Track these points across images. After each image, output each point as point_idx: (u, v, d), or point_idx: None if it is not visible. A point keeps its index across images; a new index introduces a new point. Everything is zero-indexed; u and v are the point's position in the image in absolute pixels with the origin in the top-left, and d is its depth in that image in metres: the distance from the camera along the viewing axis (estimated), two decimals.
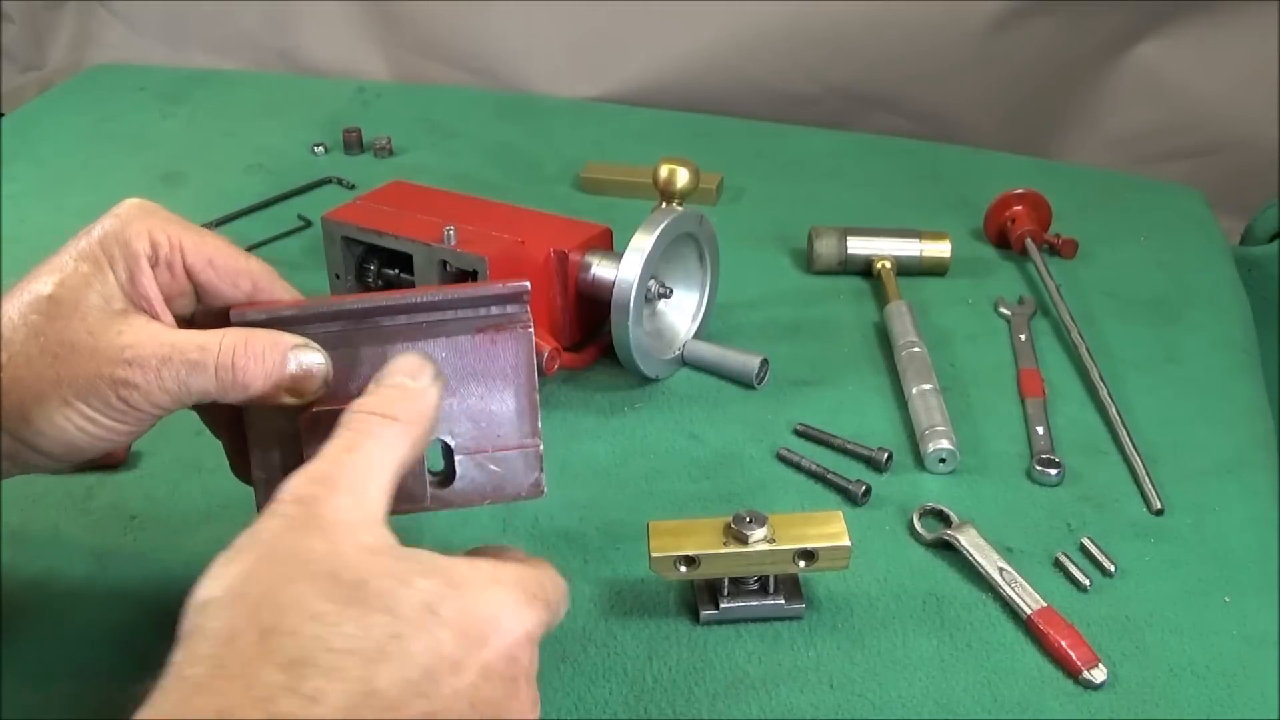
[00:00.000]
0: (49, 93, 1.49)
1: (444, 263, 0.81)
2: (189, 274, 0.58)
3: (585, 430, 0.83)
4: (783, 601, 0.66)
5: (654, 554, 0.63)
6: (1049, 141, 1.50)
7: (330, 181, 1.19)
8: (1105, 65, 1.45)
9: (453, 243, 0.80)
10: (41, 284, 0.54)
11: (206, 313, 0.60)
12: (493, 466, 0.60)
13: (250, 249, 1.05)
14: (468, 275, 0.81)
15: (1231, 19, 1.38)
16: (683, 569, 0.64)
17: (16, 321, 0.53)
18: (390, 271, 0.88)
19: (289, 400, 0.56)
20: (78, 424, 0.53)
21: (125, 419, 0.54)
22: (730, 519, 0.63)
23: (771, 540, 0.63)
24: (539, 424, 0.61)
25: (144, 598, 0.67)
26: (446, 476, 0.60)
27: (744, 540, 0.63)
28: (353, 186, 1.17)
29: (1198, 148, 1.45)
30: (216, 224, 1.10)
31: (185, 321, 0.58)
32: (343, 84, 1.48)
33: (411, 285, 0.84)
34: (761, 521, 0.63)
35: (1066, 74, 1.46)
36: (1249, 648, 0.65)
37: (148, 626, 0.66)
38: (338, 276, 0.88)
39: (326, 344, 0.58)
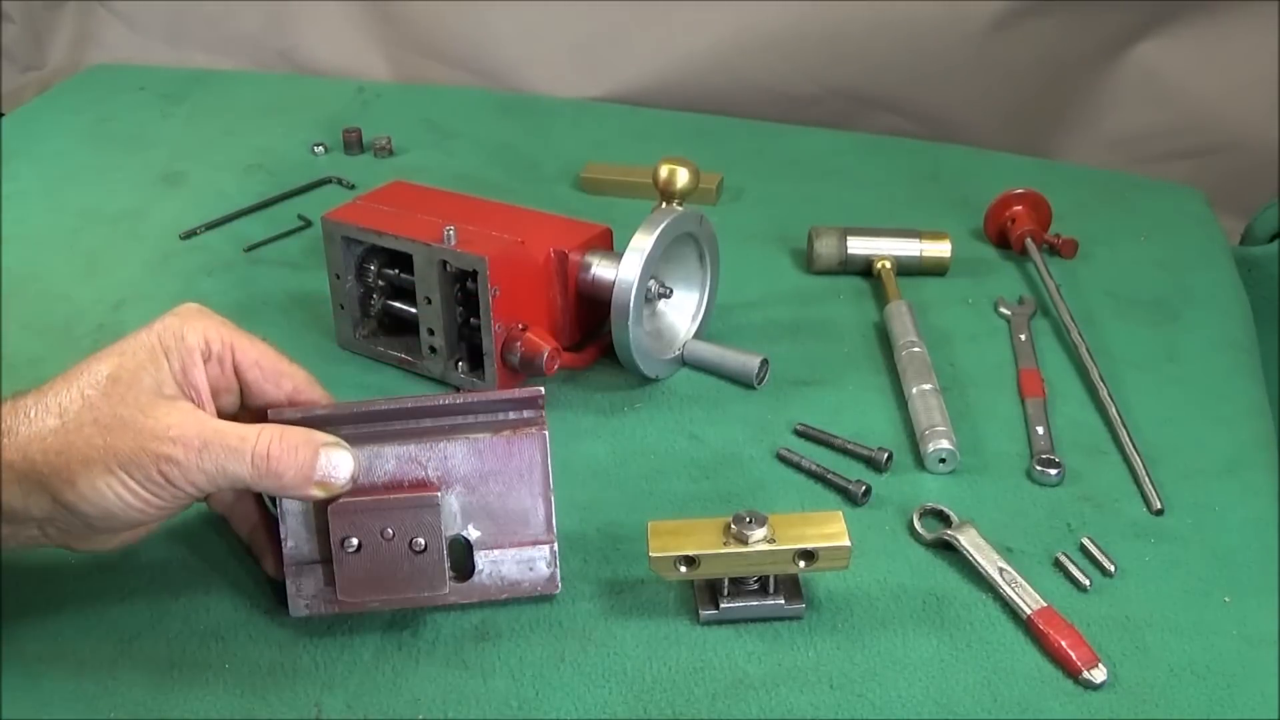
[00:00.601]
0: (49, 92, 1.49)
1: (444, 263, 0.81)
2: (237, 371, 0.64)
3: (585, 430, 0.83)
4: (783, 601, 0.66)
5: (653, 554, 0.63)
6: (1049, 141, 1.50)
7: (330, 181, 1.19)
8: (1105, 65, 1.45)
9: (453, 243, 0.80)
10: (101, 365, 0.60)
11: (249, 411, 0.66)
12: (511, 563, 0.65)
13: (250, 249, 1.06)
14: (468, 275, 0.81)
15: (1231, 19, 1.38)
16: (682, 569, 0.64)
17: (74, 394, 0.58)
18: (390, 271, 0.88)
19: (317, 494, 0.61)
20: (117, 491, 0.57)
21: (162, 494, 0.58)
22: (730, 519, 0.63)
23: (771, 540, 0.63)
24: (554, 521, 0.66)
25: (144, 598, 0.67)
26: (466, 571, 0.65)
27: (744, 540, 0.63)
28: (353, 186, 1.17)
29: (1198, 148, 1.45)
30: (216, 224, 1.10)
31: (229, 418, 0.63)
32: (343, 84, 1.48)
33: (411, 285, 0.84)
34: (761, 522, 0.63)
35: (1067, 74, 1.46)
36: (1249, 648, 0.65)
37: (148, 626, 0.66)
38: (338, 276, 0.88)
39: (355, 442, 0.63)
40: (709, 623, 0.66)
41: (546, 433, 0.65)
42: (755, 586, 0.66)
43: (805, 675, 0.63)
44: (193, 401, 0.61)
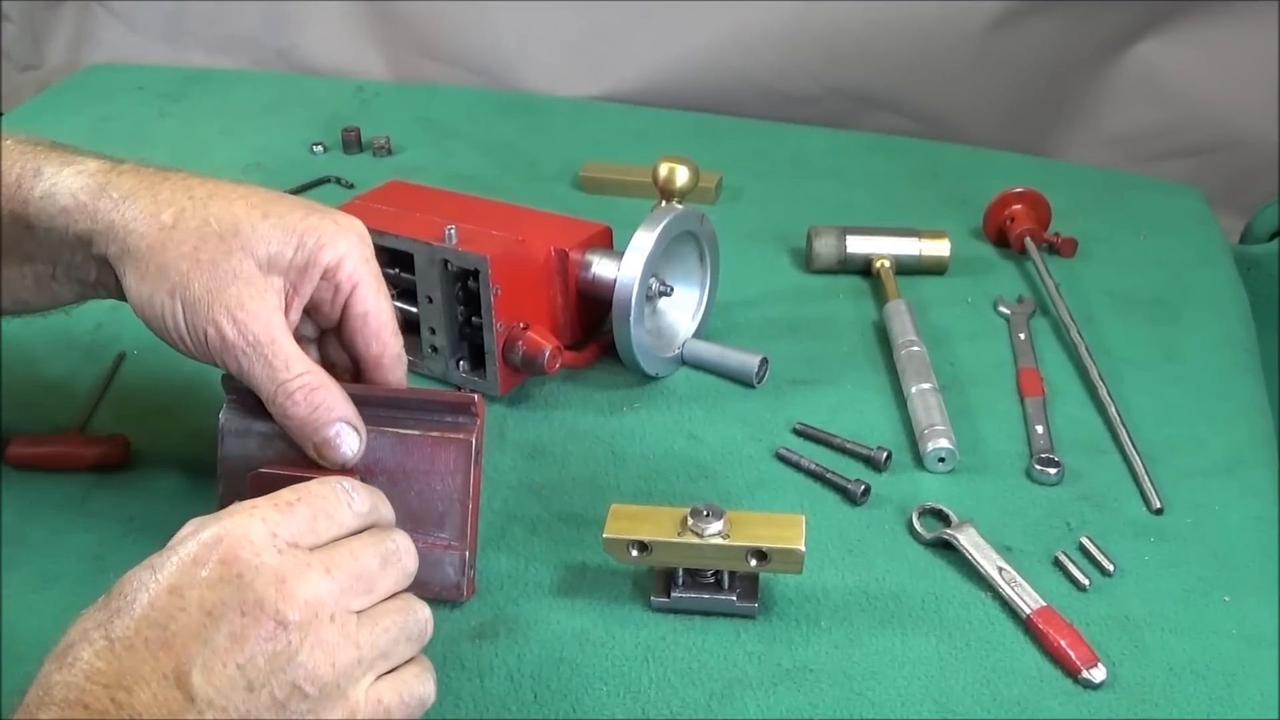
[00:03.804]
0: (47, 92, 1.49)
1: (445, 262, 0.81)
2: (345, 306, 0.65)
3: (585, 429, 0.83)
4: (735, 599, 0.66)
5: (607, 535, 0.64)
6: (1048, 140, 1.50)
7: (329, 181, 1.18)
8: (1105, 64, 1.45)
9: (454, 242, 0.80)
10: (254, 203, 0.63)
11: (325, 336, 0.69)
12: (421, 562, 0.60)
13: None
14: (469, 274, 0.81)
15: (1231, 19, 1.38)
16: (635, 553, 0.64)
17: (209, 207, 0.62)
18: (391, 271, 0.87)
19: (311, 452, 0.63)
20: (165, 310, 0.61)
21: (192, 342, 0.61)
22: (689, 510, 0.64)
23: (726, 536, 0.63)
24: (473, 531, 0.65)
25: None
26: None
27: (699, 533, 0.63)
28: (351, 186, 1.17)
29: (1197, 146, 1.45)
30: None
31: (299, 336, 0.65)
32: (341, 83, 1.48)
33: (412, 284, 0.84)
34: (719, 516, 0.63)
35: (1066, 73, 1.46)
36: (1249, 647, 0.65)
37: None
38: None
39: None
40: (659, 610, 0.67)
41: (473, 440, 0.64)
42: (711, 580, 0.66)
43: (804, 675, 0.63)
44: (282, 297, 0.62)
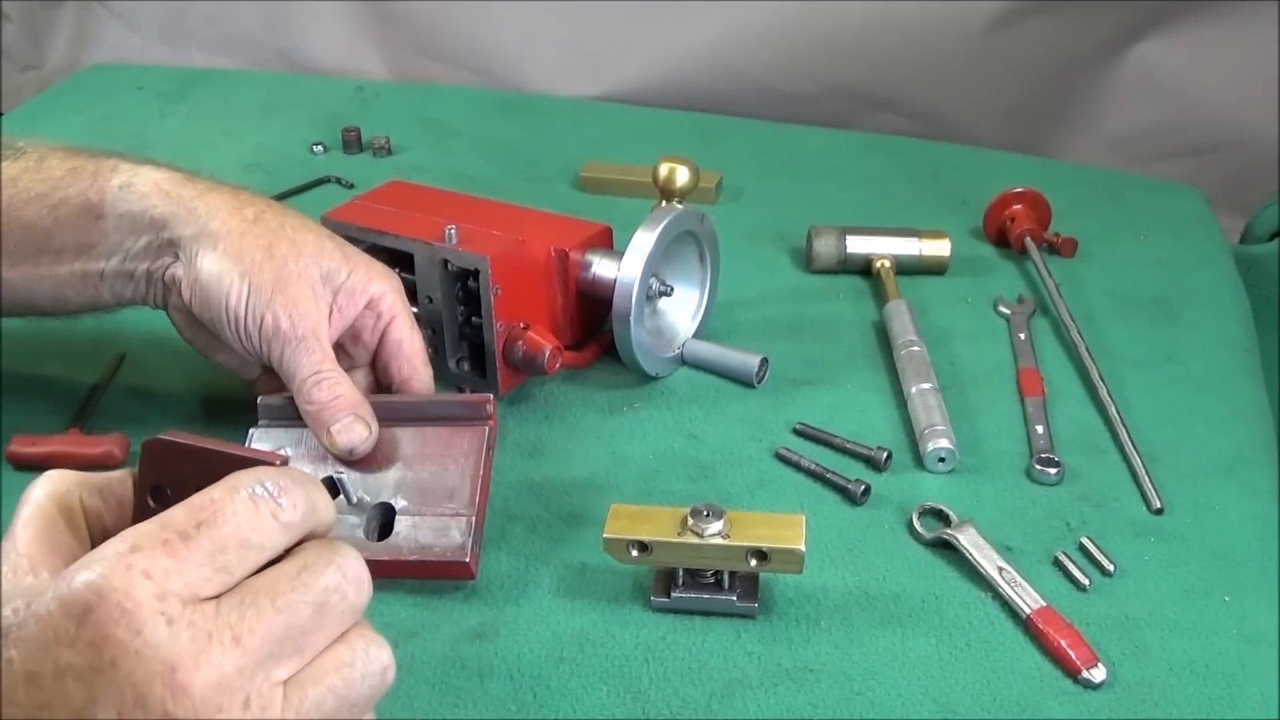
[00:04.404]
0: (47, 92, 1.49)
1: (445, 262, 0.81)
2: (382, 336, 0.74)
3: (585, 429, 0.83)
4: (735, 599, 0.66)
5: (607, 535, 0.64)
6: (1048, 140, 1.50)
7: (329, 181, 1.18)
8: (1105, 64, 1.45)
9: (454, 242, 0.80)
10: (320, 240, 0.72)
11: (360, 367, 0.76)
12: (428, 530, 0.66)
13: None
14: (469, 274, 0.81)
15: (1231, 19, 1.38)
16: (634, 553, 0.64)
17: (273, 228, 0.70)
18: None
19: (324, 440, 0.68)
20: (228, 287, 0.68)
21: (243, 326, 0.68)
22: (689, 510, 0.64)
23: (726, 536, 0.63)
24: (481, 507, 0.68)
25: None
26: (383, 534, 0.67)
27: (699, 533, 0.63)
28: (352, 186, 1.17)
29: (1197, 146, 1.45)
30: None
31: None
32: (341, 83, 1.48)
33: (412, 284, 0.84)
34: (719, 516, 0.63)
35: (1066, 73, 1.46)
36: (1249, 647, 0.65)
37: None
38: None
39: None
40: (659, 609, 0.67)
41: (487, 428, 0.70)
42: (711, 580, 0.66)
43: (804, 675, 0.63)
44: (329, 309, 0.71)
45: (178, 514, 0.40)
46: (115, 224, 0.71)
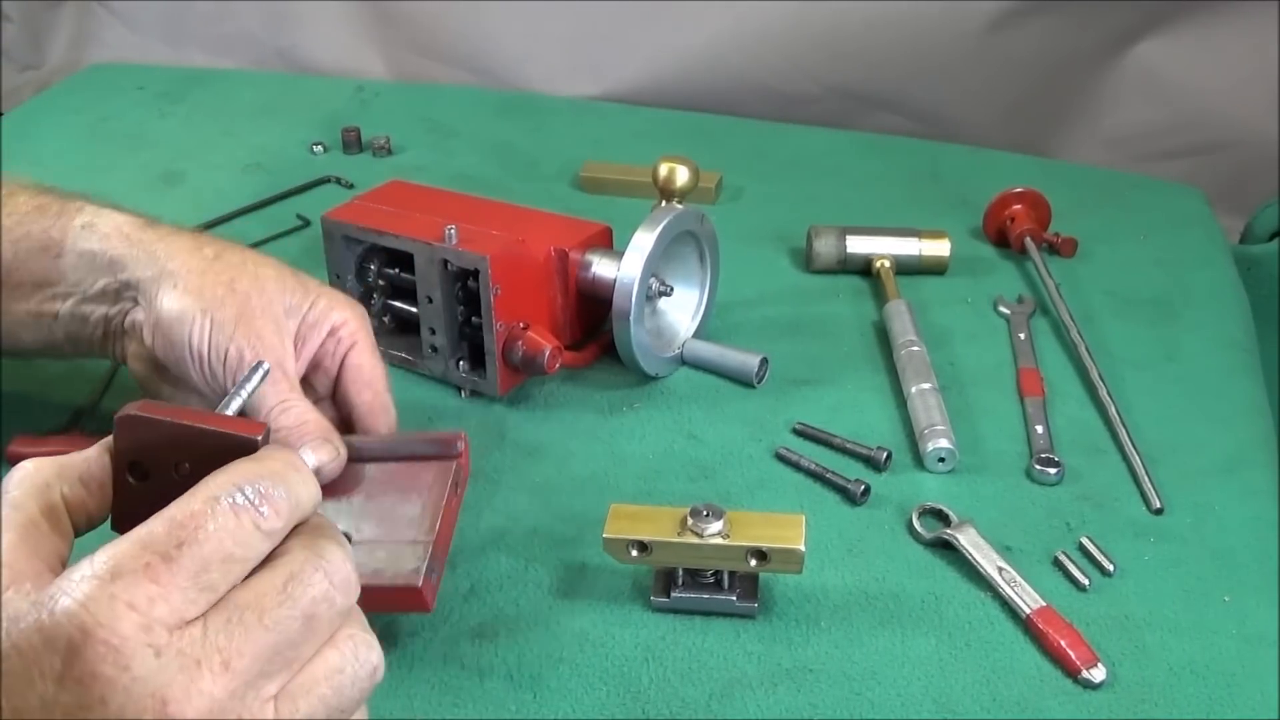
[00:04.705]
0: (47, 92, 1.49)
1: (445, 262, 0.81)
2: (343, 361, 0.72)
3: (585, 429, 0.83)
4: (735, 599, 0.66)
5: (607, 535, 0.64)
6: (1048, 140, 1.50)
7: (329, 181, 1.18)
8: (1105, 64, 1.45)
9: (454, 242, 0.80)
10: (267, 267, 0.71)
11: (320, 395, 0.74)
12: (382, 555, 0.63)
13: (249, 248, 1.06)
14: (469, 274, 0.81)
15: (1231, 18, 1.38)
16: (634, 553, 0.64)
17: (245, 269, 0.70)
18: (391, 271, 0.88)
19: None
20: (195, 328, 0.67)
21: (202, 352, 0.67)
22: (688, 511, 0.64)
23: (726, 536, 0.63)
24: (444, 532, 0.65)
25: None
26: None
27: (699, 533, 0.63)
28: (351, 186, 1.17)
29: (1197, 146, 1.45)
30: (215, 224, 1.10)
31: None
32: (341, 83, 1.48)
33: (411, 284, 0.84)
34: (719, 516, 0.63)
35: (1066, 73, 1.46)
36: (1249, 647, 0.65)
37: None
38: (338, 276, 0.88)
39: None
40: (659, 609, 0.66)
41: (454, 465, 0.68)
42: (710, 580, 0.66)
43: (804, 675, 0.63)
44: (292, 342, 0.70)
45: (157, 530, 0.39)
46: (74, 263, 0.70)
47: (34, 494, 0.43)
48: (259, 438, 0.43)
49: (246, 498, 0.40)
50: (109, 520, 0.45)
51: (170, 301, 0.67)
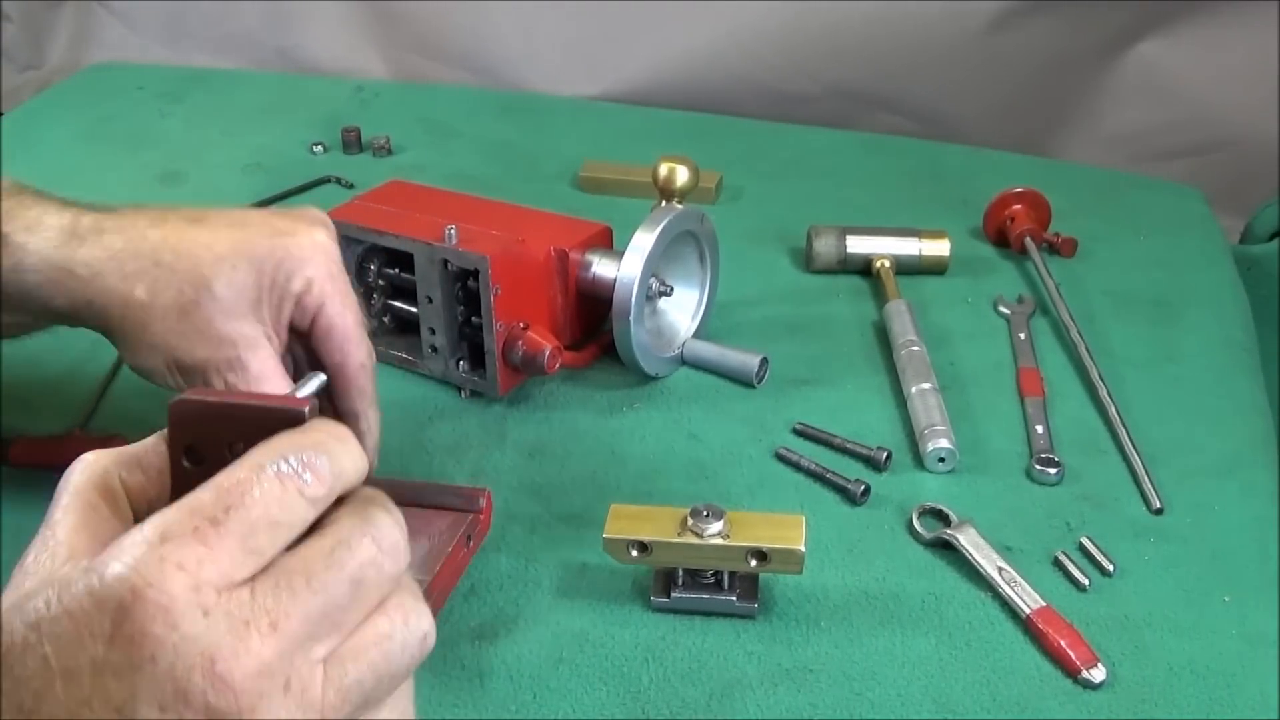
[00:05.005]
0: (47, 92, 1.49)
1: (445, 262, 0.81)
2: (313, 322, 0.66)
3: (585, 429, 0.82)
4: (735, 599, 0.66)
5: (607, 535, 0.64)
6: (1048, 140, 1.50)
7: (329, 181, 1.18)
8: (1105, 64, 1.45)
9: (454, 242, 0.80)
10: (229, 232, 0.64)
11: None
12: None
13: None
14: (469, 274, 0.81)
15: (1231, 19, 1.38)
16: (634, 553, 0.64)
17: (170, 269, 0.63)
18: (391, 271, 0.88)
19: None
20: (158, 369, 0.64)
21: (177, 362, 0.63)
22: (689, 511, 0.64)
23: (726, 536, 0.63)
24: (446, 577, 0.66)
25: None
26: None
27: (699, 533, 0.63)
28: (351, 186, 1.17)
29: (1197, 146, 1.45)
30: None
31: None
32: (341, 83, 1.48)
33: (411, 284, 0.84)
34: (719, 516, 0.63)
35: (1066, 73, 1.46)
36: (1249, 647, 0.65)
37: None
38: None
39: None
40: (659, 610, 0.67)
41: (471, 517, 0.69)
42: (710, 580, 0.66)
43: (804, 675, 0.63)
44: (267, 336, 0.65)
45: (205, 498, 0.39)
46: (20, 303, 0.65)
47: (93, 480, 0.44)
48: (305, 410, 0.43)
49: (290, 466, 0.40)
50: None
51: (131, 358, 0.65)
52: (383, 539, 0.41)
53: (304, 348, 0.69)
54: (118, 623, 0.36)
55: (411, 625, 0.42)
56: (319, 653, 0.39)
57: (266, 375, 0.64)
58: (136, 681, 0.36)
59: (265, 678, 0.37)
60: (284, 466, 0.40)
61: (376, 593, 0.41)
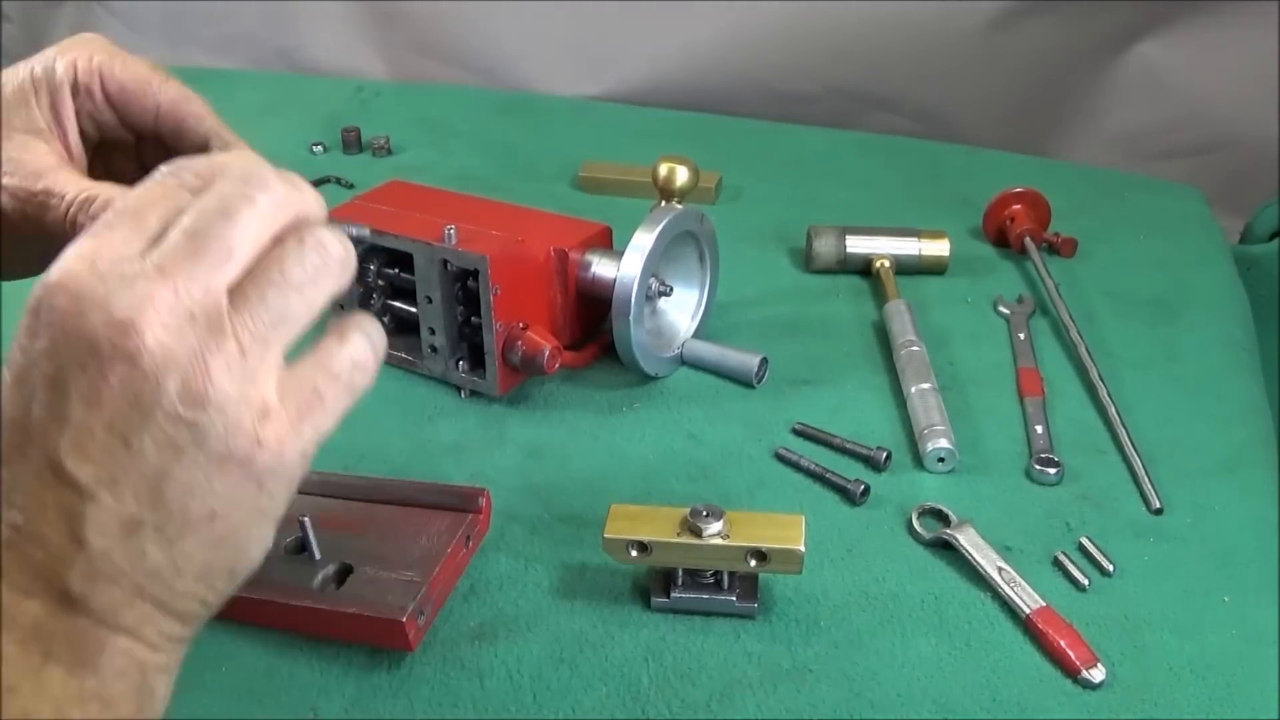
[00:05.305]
0: None
1: (445, 262, 0.81)
2: (109, 99, 0.62)
3: (585, 429, 0.83)
4: (734, 599, 0.66)
5: (607, 535, 0.64)
6: (1048, 140, 1.50)
7: (329, 181, 1.18)
8: (1105, 64, 1.45)
9: (454, 242, 0.80)
10: None
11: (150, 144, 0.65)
12: (376, 587, 0.64)
13: None
14: (469, 274, 0.81)
15: (1231, 18, 1.38)
16: (634, 554, 0.64)
17: None
18: (390, 271, 0.88)
19: None
20: None
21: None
22: (688, 511, 0.64)
23: (725, 536, 0.63)
24: (444, 577, 0.66)
25: None
26: (337, 586, 0.66)
27: (698, 533, 0.63)
28: (351, 186, 1.17)
29: (1197, 146, 1.45)
30: None
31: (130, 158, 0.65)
32: (341, 83, 1.48)
33: (411, 284, 0.84)
34: (719, 516, 0.63)
35: (1066, 73, 1.46)
36: (1249, 647, 0.65)
37: None
38: None
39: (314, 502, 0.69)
40: (659, 610, 0.66)
41: (469, 518, 0.69)
42: (710, 580, 0.66)
43: (804, 675, 0.63)
44: (60, 139, 0.60)
45: (106, 215, 0.43)
46: None
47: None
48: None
49: (170, 170, 0.46)
50: None
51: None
52: (250, 178, 0.46)
53: (165, 151, 0.65)
54: (41, 317, 0.40)
55: (315, 249, 0.45)
56: (218, 280, 0.42)
57: (33, 165, 0.58)
58: (62, 355, 0.40)
59: (159, 318, 0.40)
60: (166, 171, 0.45)
61: (255, 222, 0.44)
